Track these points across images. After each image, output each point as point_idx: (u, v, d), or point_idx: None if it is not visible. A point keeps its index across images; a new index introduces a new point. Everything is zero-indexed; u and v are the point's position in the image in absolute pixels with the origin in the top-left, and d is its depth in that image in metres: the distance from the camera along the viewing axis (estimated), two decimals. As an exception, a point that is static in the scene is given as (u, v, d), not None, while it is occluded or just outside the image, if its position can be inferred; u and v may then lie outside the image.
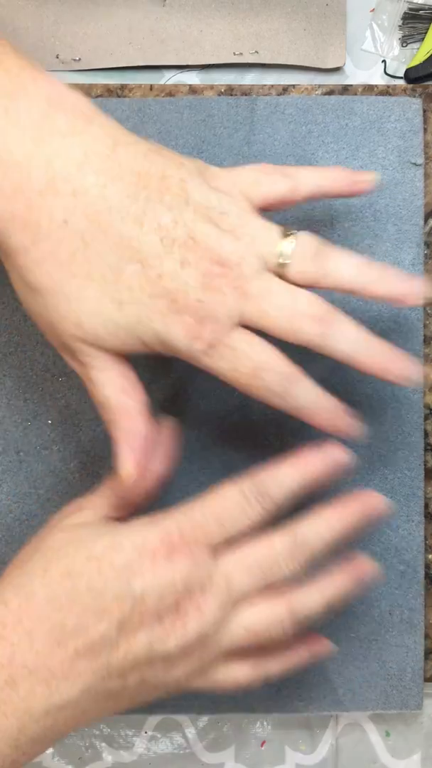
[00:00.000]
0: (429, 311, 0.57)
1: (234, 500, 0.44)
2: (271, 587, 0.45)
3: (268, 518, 0.45)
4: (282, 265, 0.44)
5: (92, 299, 0.41)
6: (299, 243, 0.44)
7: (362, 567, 0.48)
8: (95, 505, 0.47)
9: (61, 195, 0.40)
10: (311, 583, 0.46)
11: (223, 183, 0.45)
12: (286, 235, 0.44)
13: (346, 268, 0.45)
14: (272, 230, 0.44)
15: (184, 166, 0.43)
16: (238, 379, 0.43)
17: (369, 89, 0.58)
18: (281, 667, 0.48)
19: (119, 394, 0.44)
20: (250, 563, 0.44)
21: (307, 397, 0.44)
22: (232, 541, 0.44)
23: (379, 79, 0.60)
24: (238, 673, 0.46)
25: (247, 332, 0.43)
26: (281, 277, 0.44)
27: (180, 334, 0.42)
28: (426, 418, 0.57)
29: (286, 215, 0.56)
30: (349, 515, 0.46)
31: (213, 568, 0.43)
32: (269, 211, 0.46)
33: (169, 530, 0.43)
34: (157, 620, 0.42)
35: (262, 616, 0.44)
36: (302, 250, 0.44)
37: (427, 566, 0.57)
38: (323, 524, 0.45)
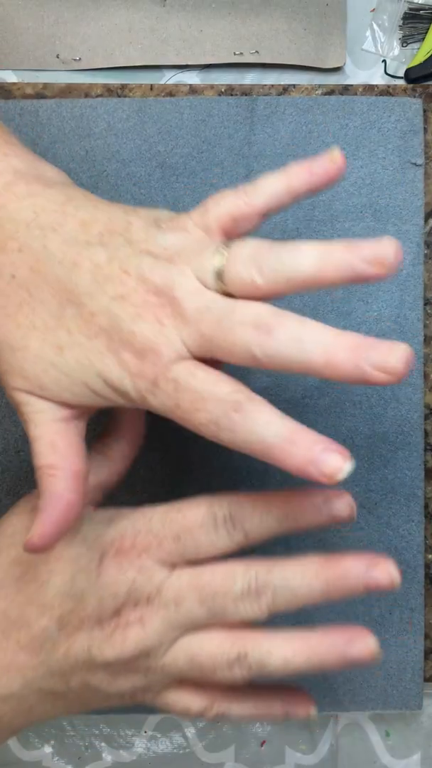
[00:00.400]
0: (429, 311, 0.57)
1: (200, 519, 0.41)
2: (226, 624, 0.42)
3: (236, 549, 0.42)
4: (219, 280, 0.39)
5: (34, 347, 0.40)
6: (232, 251, 0.39)
7: (358, 641, 0.41)
8: None
9: (8, 252, 0.40)
10: (282, 632, 0.42)
11: (180, 222, 0.41)
12: (220, 247, 0.39)
13: (295, 258, 0.38)
14: (208, 246, 0.40)
15: (137, 212, 0.41)
16: (183, 418, 0.39)
17: (369, 89, 0.58)
18: (244, 712, 0.44)
19: (48, 451, 0.41)
20: (203, 590, 0.41)
21: (260, 427, 0.37)
22: (191, 561, 0.42)
23: (379, 79, 0.60)
24: (190, 703, 0.43)
25: (193, 362, 0.39)
26: (226, 294, 0.39)
27: (122, 373, 0.39)
28: (426, 417, 0.57)
29: (287, 218, 0.56)
30: (338, 582, 0.41)
31: (163, 582, 0.41)
32: (236, 233, 0.41)
33: (123, 533, 0.42)
34: (97, 624, 0.41)
35: (209, 651, 0.41)
36: (234, 257, 0.39)
37: (427, 566, 0.57)
38: (300, 578, 0.41)
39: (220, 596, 0.41)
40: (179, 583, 0.41)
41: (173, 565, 0.42)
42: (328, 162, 0.40)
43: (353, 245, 0.37)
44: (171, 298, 0.38)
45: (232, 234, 0.41)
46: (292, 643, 0.41)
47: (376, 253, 0.37)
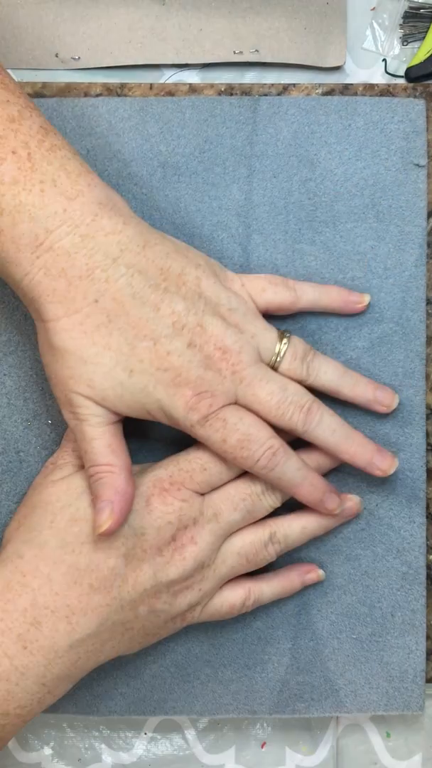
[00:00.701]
0: (430, 311, 0.57)
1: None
2: (256, 519, 0.53)
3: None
4: (275, 361, 0.51)
5: (107, 365, 0.47)
6: (291, 344, 0.52)
7: (348, 503, 0.55)
8: (68, 460, 0.53)
9: (96, 280, 0.47)
10: (293, 513, 0.54)
11: (235, 285, 0.53)
12: (281, 336, 0.52)
13: (327, 372, 0.53)
14: (271, 331, 0.52)
15: (201, 266, 0.50)
16: (227, 450, 0.50)
17: (369, 88, 0.57)
18: (273, 590, 0.55)
19: (106, 451, 0.49)
20: (233, 499, 0.52)
21: (291, 471, 0.51)
22: (215, 487, 0.52)
23: (379, 78, 0.60)
24: (233, 599, 0.54)
25: (240, 408, 0.50)
26: (272, 367, 0.52)
27: (179, 404, 0.48)
28: (428, 417, 0.57)
29: (289, 219, 0.56)
30: (319, 468, 0.54)
31: (201, 505, 0.51)
32: (270, 313, 0.54)
33: (160, 476, 0.51)
34: (158, 552, 0.50)
35: (249, 542, 0.53)
36: (293, 350, 0.52)
37: (428, 567, 0.57)
38: (294, 470, 0.52)
39: (248, 499, 0.52)
40: (213, 501, 0.51)
41: (203, 493, 0.52)
42: (358, 299, 0.56)
43: (379, 388, 0.55)
44: (236, 361, 0.49)
45: (267, 312, 0.54)
46: (303, 516, 0.54)
47: (390, 400, 0.55)
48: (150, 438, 0.57)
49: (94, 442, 0.49)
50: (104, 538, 0.49)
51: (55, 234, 0.47)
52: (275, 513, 0.54)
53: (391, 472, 0.54)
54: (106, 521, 0.47)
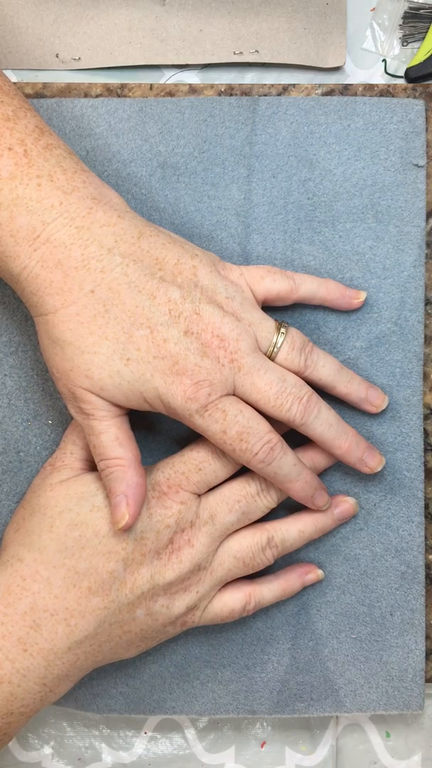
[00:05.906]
0: (429, 311, 0.57)
1: (212, 448, 0.52)
2: (253, 521, 0.53)
3: (240, 466, 0.52)
4: (272, 351, 0.51)
5: (103, 354, 0.48)
6: (289, 335, 0.52)
7: (342, 505, 0.56)
8: (66, 463, 0.53)
9: (91, 271, 0.48)
10: (290, 516, 0.55)
11: (233, 274, 0.52)
12: (279, 326, 0.52)
13: (325, 366, 0.53)
14: (269, 321, 0.51)
15: (198, 256, 0.50)
16: (225, 441, 0.49)
17: (369, 88, 0.58)
18: (274, 593, 0.55)
19: (114, 444, 0.49)
20: (229, 501, 0.52)
21: (287, 466, 0.51)
22: (211, 487, 0.52)
23: (379, 79, 0.60)
24: (232, 603, 0.54)
25: (238, 399, 0.50)
26: (269, 357, 0.51)
27: (177, 393, 0.48)
28: (426, 417, 0.57)
29: (288, 218, 0.56)
30: (314, 466, 0.55)
31: (198, 507, 0.51)
32: (268, 304, 0.54)
33: (158, 480, 0.51)
34: (156, 555, 0.50)
35: (246, 545, 0.53)
36: (291, 341, 0.52)
37: (427, 567, 0.57)
38: (290, 468, 0.52)
39: (243, 500, 0.52)
40: (209, 503, 0.52)
41: (200, 495, 0.52)
42: (355, 295, 0.56)
43: (371, 387, 0.55)
44: (234, 349, 0.49)
45: (265, 303, 0.54)
46: (300, 519, 0.55)
47: (380, 401, 0.55)
48: (150, 438, 0.57)
49: (102, 436, 0.49)
50: (109, 540, 0.50)
51: (52, 226, 0.48)
52: (271, 514, 0.54)
53: (378, 470, 0.54)
54: (124, 516, 0.48)
